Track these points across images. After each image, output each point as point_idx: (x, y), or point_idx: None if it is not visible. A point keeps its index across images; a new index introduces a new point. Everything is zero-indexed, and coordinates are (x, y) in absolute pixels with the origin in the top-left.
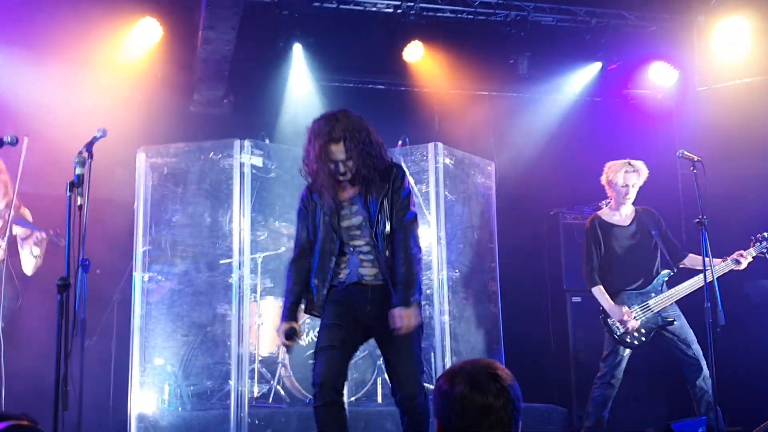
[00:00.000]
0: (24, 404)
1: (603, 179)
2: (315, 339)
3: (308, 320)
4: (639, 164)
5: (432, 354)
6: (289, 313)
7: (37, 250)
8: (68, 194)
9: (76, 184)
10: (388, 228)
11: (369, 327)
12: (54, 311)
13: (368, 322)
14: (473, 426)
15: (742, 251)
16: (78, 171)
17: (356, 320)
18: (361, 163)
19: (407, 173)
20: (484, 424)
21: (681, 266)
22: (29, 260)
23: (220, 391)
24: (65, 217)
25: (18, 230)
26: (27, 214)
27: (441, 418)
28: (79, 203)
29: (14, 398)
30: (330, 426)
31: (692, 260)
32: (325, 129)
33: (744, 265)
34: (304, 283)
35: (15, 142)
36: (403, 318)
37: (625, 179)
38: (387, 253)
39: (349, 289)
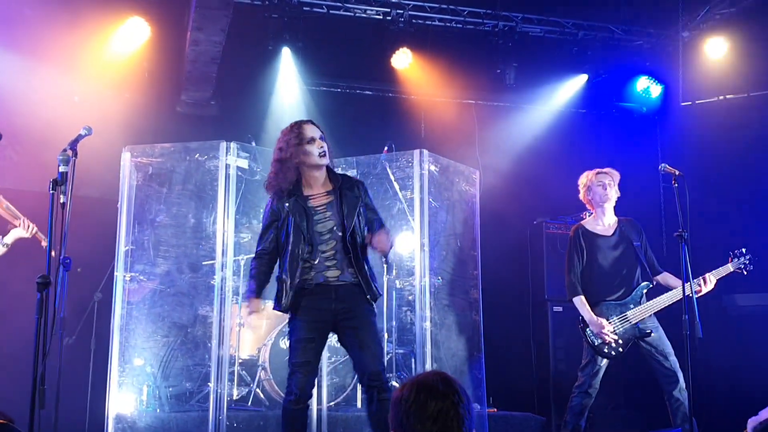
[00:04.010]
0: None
1: (581, 194)
2: None
3: (284, 329)
4: (608, 169)
5: (413, 360)
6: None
7: (11, 239)
8: (51, 192)
9: (60, 181)
10: (362, 237)
11: (333, 322)
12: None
13: (333, 318)
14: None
15: (704, 276)
16: (62, 168)
17: (323, 321)
18: (330, 154)
19: None
20: (434, 426)
21: (654, 282)
22: None
23: (199, 393)
24: (47, 214)
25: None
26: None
27: (394, 425)
28: (62, 201)
29: None
30: (301, 424)
31: (665, 278)
32: (295, 122)
33: (706, 290)
34: (270, 273)
35: None
36: (384, 240)
37: (599, 179)
38: (353, 257)
39: (314, 290)
